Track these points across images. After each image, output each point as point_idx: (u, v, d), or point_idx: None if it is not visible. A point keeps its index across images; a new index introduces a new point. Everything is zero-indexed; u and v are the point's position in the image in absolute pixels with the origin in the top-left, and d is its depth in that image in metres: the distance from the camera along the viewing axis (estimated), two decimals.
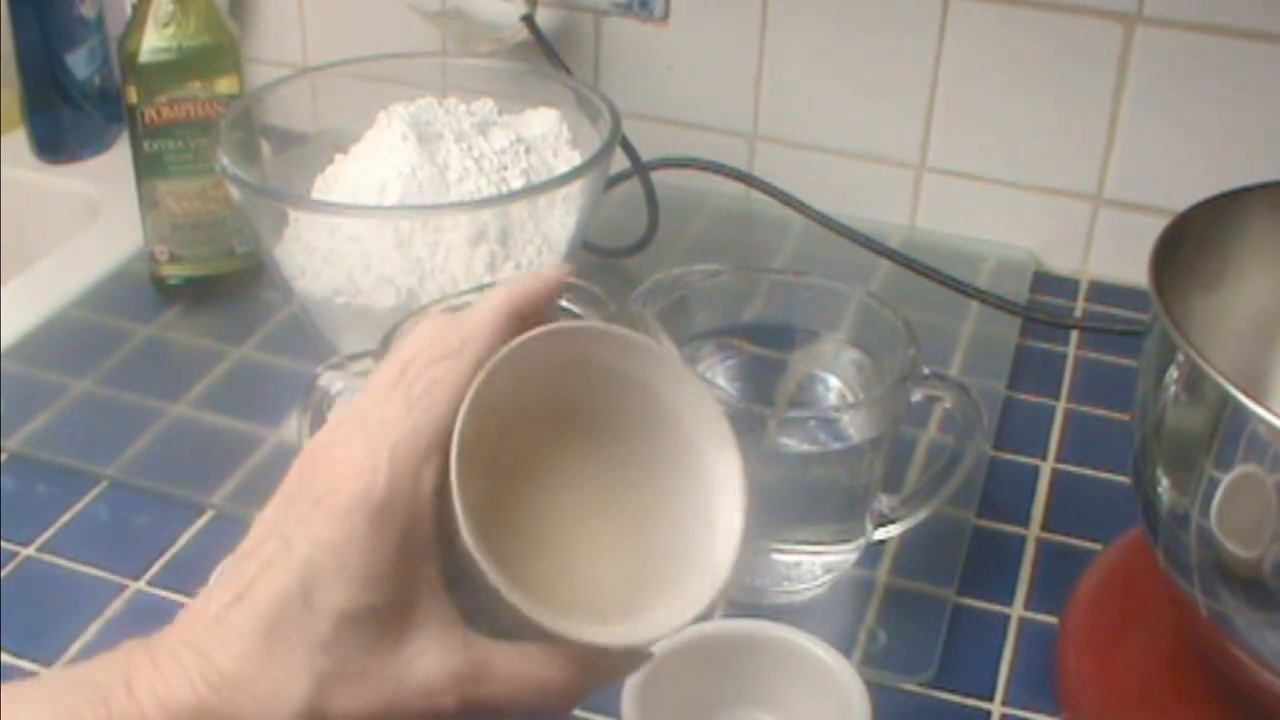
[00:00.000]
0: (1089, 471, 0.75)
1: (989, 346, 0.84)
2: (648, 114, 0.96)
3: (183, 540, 0.69)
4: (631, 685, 0.53)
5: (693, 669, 0.56)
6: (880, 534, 0.65)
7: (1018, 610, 0.66)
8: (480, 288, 0.65)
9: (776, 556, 0.63)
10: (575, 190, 0.73)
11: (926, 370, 0.61)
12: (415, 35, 0.97)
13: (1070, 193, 0.91)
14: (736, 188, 0.93)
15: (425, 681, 0.39)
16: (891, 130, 0.93)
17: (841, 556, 0.65)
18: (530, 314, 0.43)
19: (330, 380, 0.59)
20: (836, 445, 0.61)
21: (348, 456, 0.39)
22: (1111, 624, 0.64)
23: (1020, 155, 0.91)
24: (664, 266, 0.66)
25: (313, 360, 0.63)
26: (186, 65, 0.80)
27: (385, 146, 0.74)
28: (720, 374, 0.66)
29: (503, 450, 0.43)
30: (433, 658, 0.39)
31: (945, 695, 0.62)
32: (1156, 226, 0.56)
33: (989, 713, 0.61)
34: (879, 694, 0.56)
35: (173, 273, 0.86)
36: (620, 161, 0.83)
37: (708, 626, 0.57)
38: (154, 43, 0.80)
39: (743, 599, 0.64)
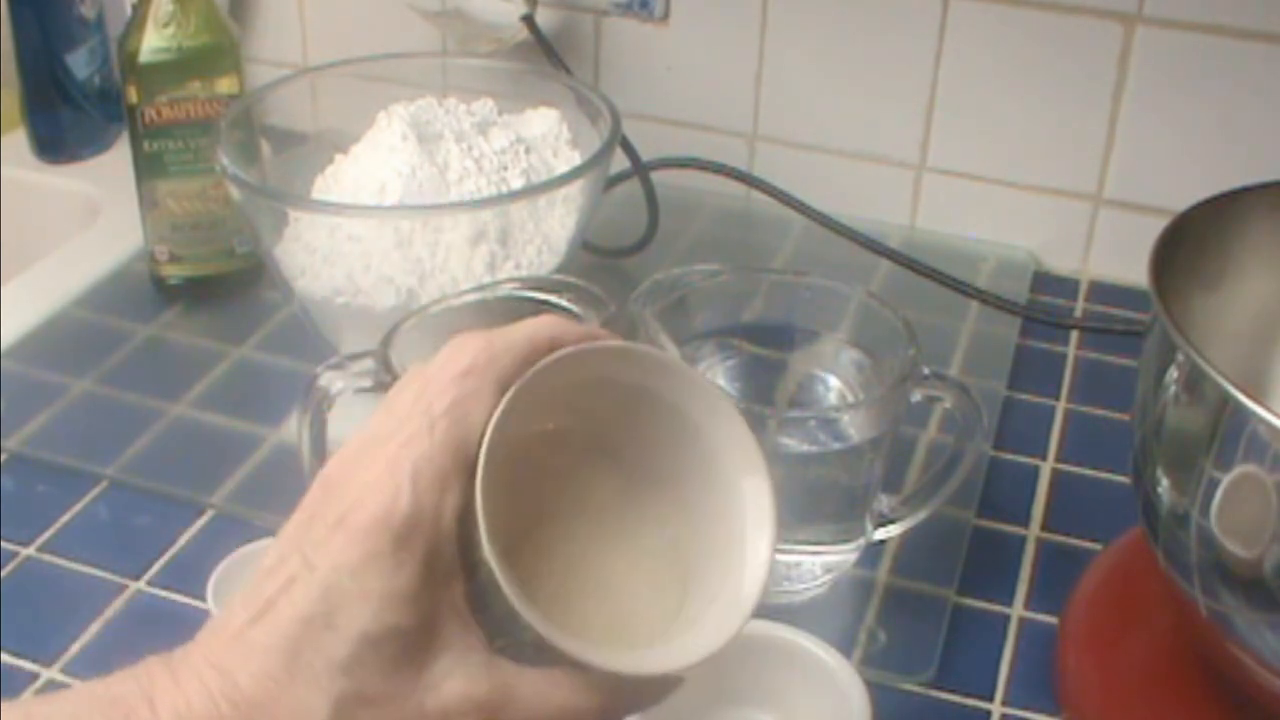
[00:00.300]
0: (1089, 471, 0.75)
1: (989, 346, 0.84)
2: (648, 114, 0.96)
3: (183, 540, 0.69)
4: None
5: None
6: (880, 534, 0.65)
7: (1018, 610, 0.66)
8: (480, 288, 0.65)
9: (777, 556, 0.63)
10: (575, 190, 0.73)
11: (926, 370, 0.61)
12: (415, 35, 0.97)
13: (1070, 193, 0.91)
14: (736, 188, 0.93)
15: (447, 705, 0.39)
16: (891, 130, 0.93)
17: (841, 556, 0.65)
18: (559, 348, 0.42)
19: (330, 380, 0.59)
20: (836, 445, 0.61)
21: (369, 477, 0.39)
22: (1111, 624, 0.64)
23: (1020, 155, 0.91)
24: (664, 266, 0.66)
25: (313, 360, 0.63)
26: (186, 65, 0.80)
27: (385, 146, 0.74)
28: (720, 374, 0.66)
29: (529, 475, 0.43)
30: (455, 682, 0.39)
31: (945, 695, 0.62)
32: (1156, 226, 0.56)
33: (989, 713, 0.61)
34: (879, 694, 0.56)
35: (173, 273, 0.86)
36: (620, 161, 0.83)
37: None
38: (154, 43, 0.80)
39: None
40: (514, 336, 0.41)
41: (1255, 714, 0.55)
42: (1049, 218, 0.92)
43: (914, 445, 0.75)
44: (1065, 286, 0.92)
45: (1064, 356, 0.85)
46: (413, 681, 0.38)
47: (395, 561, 0.38)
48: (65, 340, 0.84)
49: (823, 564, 0.64)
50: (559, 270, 0.74)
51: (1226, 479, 0.48)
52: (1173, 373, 0.51)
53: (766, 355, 0.67)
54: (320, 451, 0.61)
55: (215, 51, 0.81)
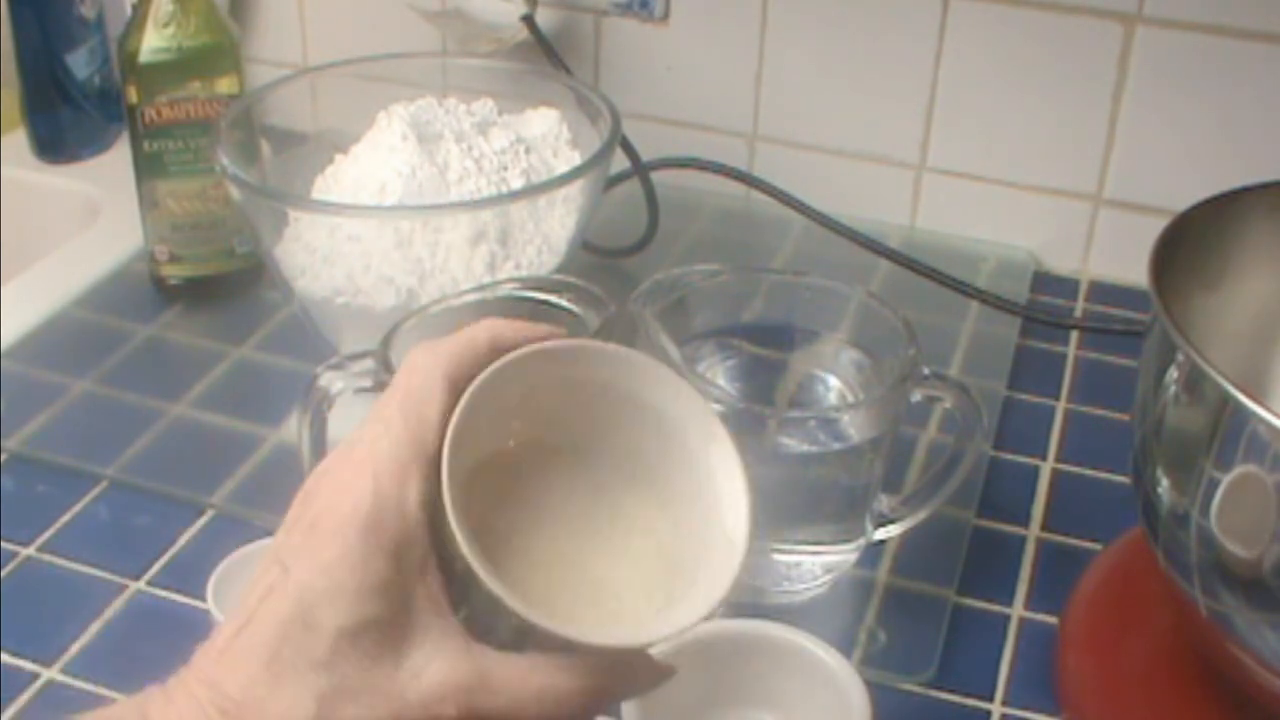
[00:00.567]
0: (1089, 471, 0.75)
1: (989, 346, 0.84)
2: (648, 114, 0.96)
3: (183, 540, 0.69)
4: None
5: (693, 669, 0.56)
6: (880, 534, 0.65)
7: (1018, 610, 0.66)
8: (480, 288, 0.65)
9: (776, 556, 0.63)
10: (575, 190, 0.73)
11: (926, 370, 0.61)
12: (415, 35, 0.97)
13: (1070, 193, 0.91)
14: (736, 188, 0.93)
15: (427, 692, 0.39)
16: (891, 130, 0.93)
17: (841, 556, 0.65)
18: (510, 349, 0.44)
19: (330, 380, 0.59)
20: (836, 445, 0.61)
21: (336, 480, 0.41)
22: (1111, 624, 0.64)
23: (1020, 155, 0.91)
24: (664, 266, 0.66)
25: (313, 360, 0.64)
26: (186, 65, 0.80)
27: (385, 146, 0.74)
28: (720, 374, 0.65)
29: (504, 483, 0.44)
30: (434, 669, 0.39)
31: (945, 695, 0.62)
32: (1156, 226, 0.56)
33: (989, 713, 0.61)
34: (879, 694, 0.56)
35: (173, 273, 0.86)
36: (620, 161, 0.83)
37: (708, 626, 0.57)
38: (154, 43, 0.80)
39: (743, 599, 0.64)
40: (454, 337, 0.43)
41: (1255, 714, 0.55)
42: (1049, 218, 0.92)
43: (914, 445, 0.75)
44: (1065, 286, 0.92)
45: (1064, 356, 0.85)
46: (392, 672, 0.39)
47: (364, 555, 0.39)
48: (65, 340, 0.84)
49: (823, 564, 0.64)
50: (559, 270, 0.74)
51: (1226, 479, 0.48)
52: (1173, 373, 0.51)
53: (766, 355, 0.67)
54: (320, 451, 0.61)
55: (215, 51, 0.81)
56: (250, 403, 0.78)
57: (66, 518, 0.70)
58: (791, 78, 0.94)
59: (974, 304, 0.86)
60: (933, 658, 0.63)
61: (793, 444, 0.60)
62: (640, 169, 0.87)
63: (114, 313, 0.86)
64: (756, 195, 0.92)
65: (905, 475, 0.73)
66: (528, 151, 0.76)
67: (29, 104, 1.03)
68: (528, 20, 0.91)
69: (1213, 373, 0.47)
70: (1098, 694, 0.61)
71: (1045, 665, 0.63)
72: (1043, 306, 0.89)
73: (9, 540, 0.68)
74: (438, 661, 0.39)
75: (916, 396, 0.61)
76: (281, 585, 0.39)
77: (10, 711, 0.59)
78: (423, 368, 0.42)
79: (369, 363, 0.59)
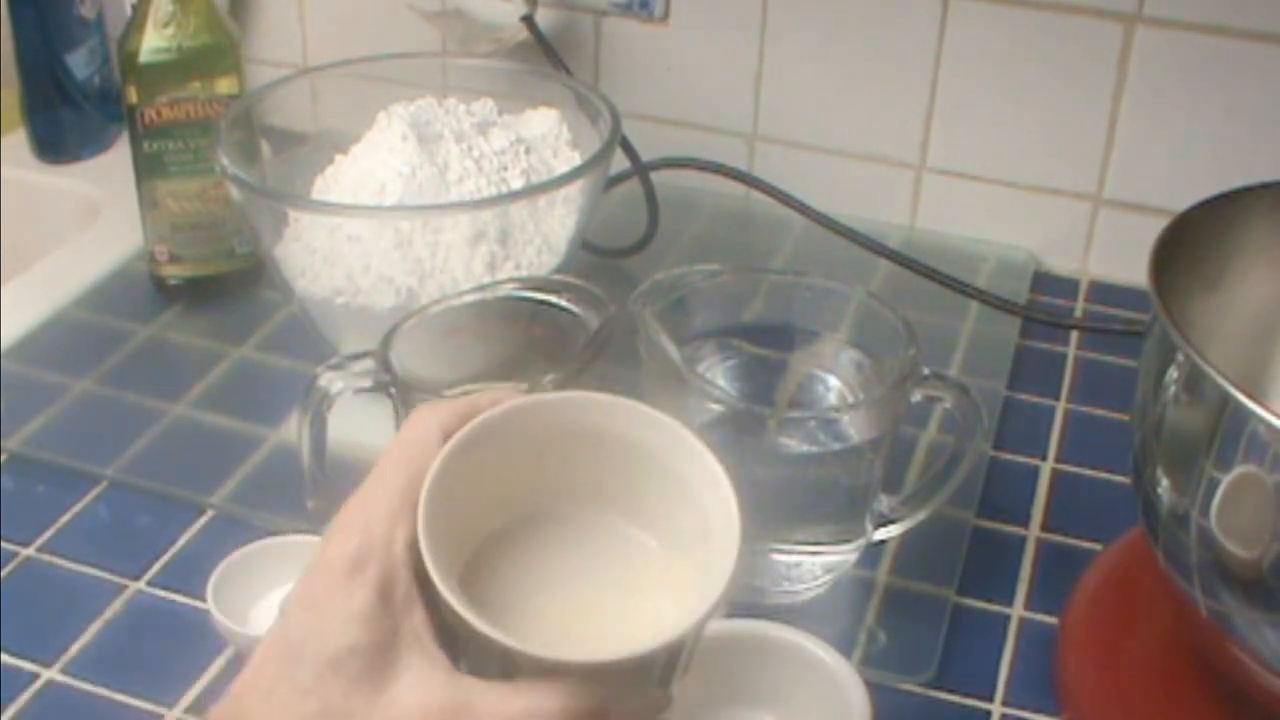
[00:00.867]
0: (1089, 471, 0.75)
1: (989, 346, 0.84)
2: (648, 114, 0.96)
3: (183, 540, 0.69)
4: None
5: (693, 669, 0.56)
6: (880, 534, 0.65)
7: (1018, 610, 0.66)
8: (480, 288, 0.65)
9: (776, 556, 0.63)
10: (575, 190, 0.73)
11: (926, 370, 0.61)
12: (415, 35, 0.96)
13: (1070, 193, 0.91)
14: (736, 188, 0.93)
15: (408, 717, 0.41)
16: (891, 130, 0.93)
17: (841, 556, 0.65)
18: None
19: (330, 380, 0.59)
20: (836, 445, 0.61)
21: (336, 524, 0.43)
22: (1111, 624, 0.64)
23: (1020, 155, 0.91)
24: (664, 266, 0.66)
25: (313, 360, 0.64)
26: (186, 65, 0.80)
27: (385, 147, 0.74)
28: (720, 374, 0.65)
29: (485, 524, 0.46)
30: (415, 696, 0.41)
31: (945, 695, 0.62)
32: (1156, 226, 0.56)
33: (989, 713, 0.61)
34: (879, 694, 0.56)
35: (173, 273, 0.86)
36: (620, 161, 0.83)
37: (708, 626, 0.57)
38: (154, 43, 0.80)
39: (743, 599, 0.64)
40: (458, 399, 0.46)
41: (1255, 714, 0.55)
42: (1049, 218, 0.92)
43: (914, 445, 0.75)
44: (1065, 286, 0.92)
45: (1064, 356, 0.85)
46: (374, 698, 0.41)
47: (350, 588, 0.41)
48: (65, 340, 0.84)
49: (823, 564, 0.64)
50: (559, 270, 0.74)
51: (1226, 479, 0.48)
52: (1173, 373, 0.51)
53: (766, 355, 0.67)
54: (320, 451, 0.61)
55: (215, 52, 0.81)
56: (250, 403, 0.78)
57: (66, 518, 0.70)
58: (791, 78, 0.94)
59: (974, 304, 0.86)
60: (933, 658, 0.63)
61: (793, 444, 0.60)
62: (640, 169, 0.87)
63: (114, 313, 0.86)
64: (756, 195, 0.92)
65: (905, 475, 0.73)
66: (528, 152, 0.76)
67: (29, 104, 1.03)
68: (527, 20, 0.91)
69: (1213, 373, 0.47)
70: (1098, 694, 0.61)
71: (1045, 665, 0.63)
72: (1043, 306, 0.89)
73: (9, 540, 0.68)
74: (420, 690, 0.41)
75: (916, 396, 0.61)
76: (278, 627, 0.43)
77: (10, 711, 0.59)
78: (422, 421, 0.45)
79: (369, 363, 0.59)
